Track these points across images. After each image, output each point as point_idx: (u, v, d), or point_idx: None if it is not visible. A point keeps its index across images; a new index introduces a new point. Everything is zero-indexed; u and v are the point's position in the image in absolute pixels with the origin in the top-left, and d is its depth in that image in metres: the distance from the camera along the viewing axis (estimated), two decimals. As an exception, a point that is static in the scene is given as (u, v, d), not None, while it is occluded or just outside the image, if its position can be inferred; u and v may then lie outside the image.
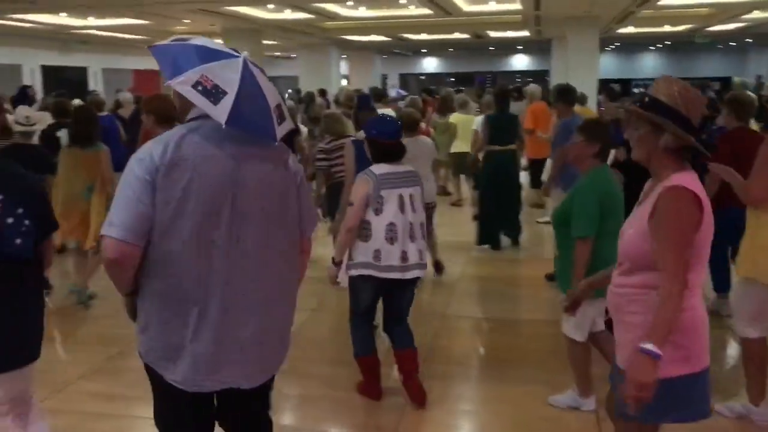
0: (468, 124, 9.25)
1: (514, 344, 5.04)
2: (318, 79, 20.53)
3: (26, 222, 2.62)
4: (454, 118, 10.04)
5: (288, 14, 15.50)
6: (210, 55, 2.23)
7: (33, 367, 2.83)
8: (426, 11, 14.98)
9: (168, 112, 4.57)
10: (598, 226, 3.53)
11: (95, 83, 21.25)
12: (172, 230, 2.19)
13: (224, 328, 2.27)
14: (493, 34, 21.38)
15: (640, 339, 2.16)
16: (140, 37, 19.67)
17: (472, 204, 8.97)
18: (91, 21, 16.31)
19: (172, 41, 2.33)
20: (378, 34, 20.57)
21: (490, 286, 6.54)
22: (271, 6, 14.46)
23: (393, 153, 3.97)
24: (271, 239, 2.34)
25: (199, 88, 2.14)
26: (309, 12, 15.08)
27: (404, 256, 3.86)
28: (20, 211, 2.62)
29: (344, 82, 24.66)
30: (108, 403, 4.12)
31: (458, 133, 9.61)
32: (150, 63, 24.21)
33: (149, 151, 2.19)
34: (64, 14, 15.13)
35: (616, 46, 29.11)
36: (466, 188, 9.92)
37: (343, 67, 28.09)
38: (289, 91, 19.77)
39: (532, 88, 9.95)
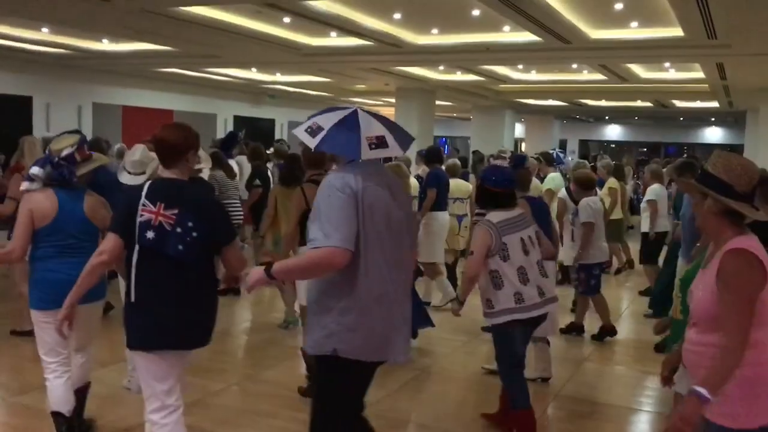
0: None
1: None
2: (490, 140, 20.50)
3: (193, 234, 3.20)
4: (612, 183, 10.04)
5: (459, 76, 15.69)
6: (328, 110, 3.10)
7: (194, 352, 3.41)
8: (600, 77, 14.49)
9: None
10: None
11: (281, 133, 22.77)
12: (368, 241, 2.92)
13: (394, 315, 3.03)
14: (679, 103, 20.19)
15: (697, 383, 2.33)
16: (323, 93, 20.91)
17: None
18: (279, 77, 17.58)
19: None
20: (554, 98, 20.21)
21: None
22: (441, 68, 14.75)
23: (504, 200, 4.31)
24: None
25: (308, 130, 3.00)
26: (479, 74, 15.16)
27: (541, 292, 4.13)
28: (190, 224, 3.20)
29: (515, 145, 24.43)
30: None
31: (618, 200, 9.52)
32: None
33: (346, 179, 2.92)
34: (254, 69, 16.43)
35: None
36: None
37: (520, 130, 27.91)
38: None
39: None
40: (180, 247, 3.17)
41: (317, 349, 2.96)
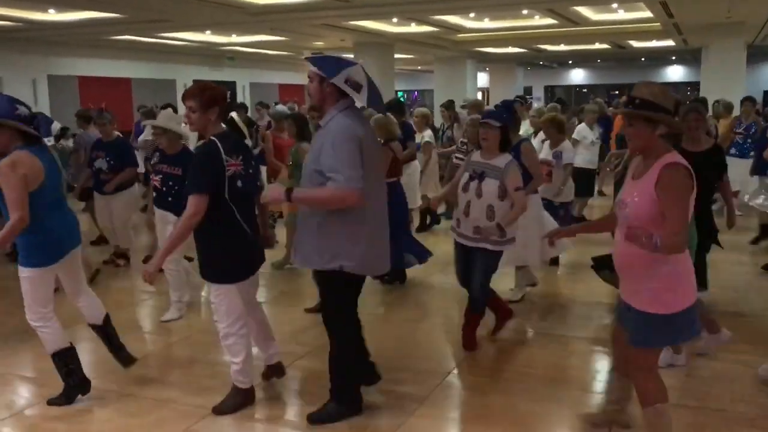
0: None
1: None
2: (453, 92, 20.57)
3: (249, 171, 3.86)
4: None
5: (414, 28, 15.70)
6: (343, 63, 3.55)
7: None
8: (551, 21, 14.60)
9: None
10: None
11: (243, 95, 22.67)
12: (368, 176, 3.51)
13: (384, 239, 3.79)
14: (635, 44, 20.35)
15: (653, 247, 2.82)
16: (282, 52, 20.80)
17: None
18: (235, 38, 17.47)
19: (324, 55, 3.72)
20: (513, 45, 20.27)
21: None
22: (395, 20, 14.77)
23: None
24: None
25: (348, 83, 3.47)
26: (433, 25, 15.20)
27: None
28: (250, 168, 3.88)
29: (479, 96, 24.55)
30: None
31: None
32: (294, 78, 25.56)
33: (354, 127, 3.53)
34: (208, 32, 16.32)
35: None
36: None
37: (484, 80, 27.98)
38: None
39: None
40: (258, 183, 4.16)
41: (323, 265, 3.60)
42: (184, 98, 3.74)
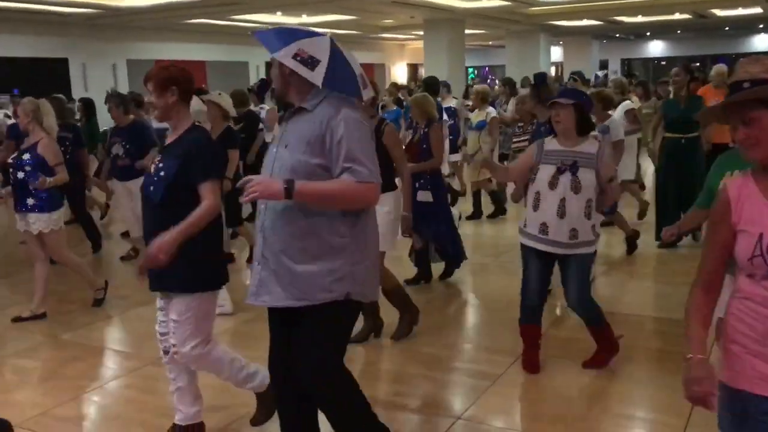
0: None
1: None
2: (526, 67, 20.17)
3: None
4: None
5: (485, 2, 15.46)
6: (301, 34, 2.68)
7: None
8: (628, -9, 14.11)
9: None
10: None
11: (314, 76, 22.88)
12: None
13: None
14: (719, 13, 19.45)
15: None
16: (351, 32, 20.82)
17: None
18: (305, 18, 17.61)
19: (272, 29, 2.83)
20: (588, 18, 19.70)
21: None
22: (464, -6, 14.59)
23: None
24: None
25: (298, 58, 2.59)
26: (505, -1, 14.94)
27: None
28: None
29: (553, 70, 23.99)
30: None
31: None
32: (362, 57, 25.65)
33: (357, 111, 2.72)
34: (279, 13, 16.51)
35: None
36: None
37: (558, 54, 27.32)
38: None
39: (718, 68, 8.86)
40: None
41: (326, 297, 2.64)
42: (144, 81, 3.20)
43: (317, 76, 2.60)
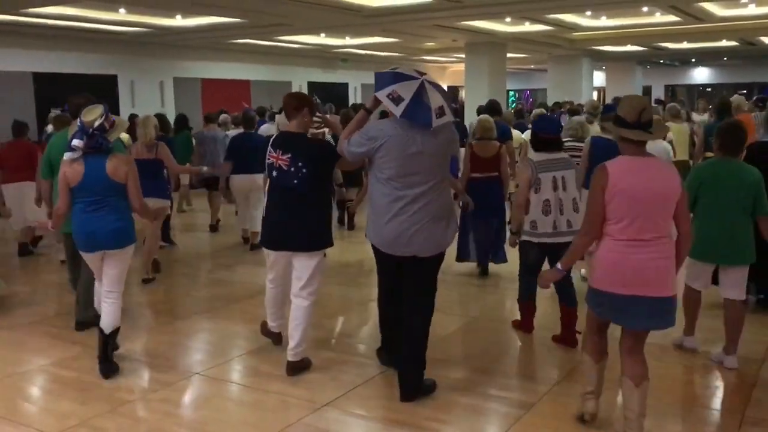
0: (681, 134, 9.02)
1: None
2: (567, 91, 20.07)
3: (303, 170, 4.29)
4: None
5: (527, 27, 15.43)
6: (401, 78, 3.90)
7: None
8: (673, 18, 13.95)
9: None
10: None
11: (355, 96, 23.05)
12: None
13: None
14: (767, 40, 19.11)
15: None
16: (394, 54, 20.99)
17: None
18: (348, 41, 17.81)
19: (389, 70, 4.02)
20: (632, 44, 19.52)
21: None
22: (508, 19, 14.57)
23: (551, 144, 4.99)
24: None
25: (391, 97, 3.82)
26: (548, 24, 14.88)
27: (555, 225, 4.83)
28: (300, 164, 4.29)
29: (595, 95, 23.78)
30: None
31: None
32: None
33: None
34: (323, 35, 16.72)
35: None
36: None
37: (600, 79, 27.08)
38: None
39: (737, 99, 9.08)
40: (295, 181, 4.33)
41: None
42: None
43: (398, 110, 3.79)
